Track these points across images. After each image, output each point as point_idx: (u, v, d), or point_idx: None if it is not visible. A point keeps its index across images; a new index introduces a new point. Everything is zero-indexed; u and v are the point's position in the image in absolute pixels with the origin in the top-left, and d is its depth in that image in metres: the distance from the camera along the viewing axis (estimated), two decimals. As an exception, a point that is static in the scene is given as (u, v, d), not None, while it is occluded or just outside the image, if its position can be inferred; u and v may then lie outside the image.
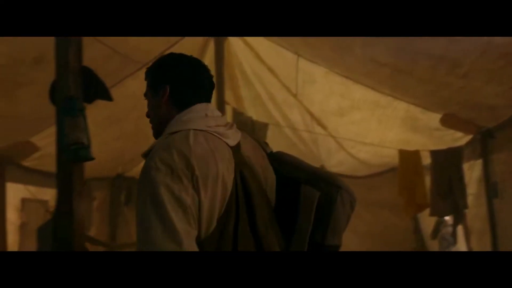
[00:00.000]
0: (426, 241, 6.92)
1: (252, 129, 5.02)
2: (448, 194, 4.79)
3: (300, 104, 6.01)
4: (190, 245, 1.28)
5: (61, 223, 2.65)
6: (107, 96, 3.18)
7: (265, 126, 5.20)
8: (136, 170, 7.25)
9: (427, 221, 6.83)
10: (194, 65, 1.61)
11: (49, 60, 3.00)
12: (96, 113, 4.91)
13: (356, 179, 7.57)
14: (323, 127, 6.20)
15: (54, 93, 2.84)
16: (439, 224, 5.58)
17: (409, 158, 5.10)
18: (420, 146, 5.35)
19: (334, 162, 7.26)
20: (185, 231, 1.28)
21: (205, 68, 1.62)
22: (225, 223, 1.37)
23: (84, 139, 2.66)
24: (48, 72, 3.02)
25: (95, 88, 2.92)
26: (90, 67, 2.99)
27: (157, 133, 1.54)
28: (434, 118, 4.91)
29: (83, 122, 2.69)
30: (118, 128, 5.81)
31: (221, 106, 4.74)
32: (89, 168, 6.38)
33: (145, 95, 1.61)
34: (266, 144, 1.72)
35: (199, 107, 1.51)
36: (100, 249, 7.09)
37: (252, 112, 5.71)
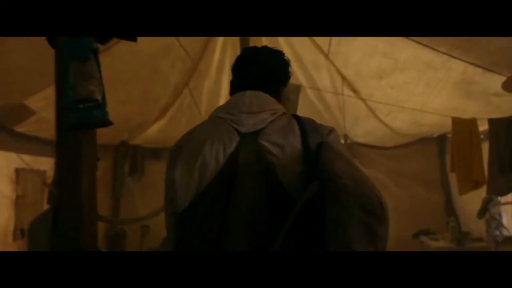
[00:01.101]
0: (460, 219, 6.37)
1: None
2: (509, 170, 4.13)
3: (331, 66, 5.30)
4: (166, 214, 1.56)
5: (64, 211, 1.93)
6: (130, 35, 2.16)
7: (296, 88, 4.49)
8: (143, 136, 6.65)
9: (463, 197, 6.33)
10: (240, 55, 1.73)
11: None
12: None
13: (384, 150, 7.02)
14: (356, 92, 5.50)
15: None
16: (488, 202, 4.94)
17: (464, 127, 4.42)
18: (471, 114, 4.67)
19: (362, 131, 6.64)
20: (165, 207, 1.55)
21: (247, 57, 1.71)
22: (199, 204, 1.43)
23: (97, 93, 1.85)
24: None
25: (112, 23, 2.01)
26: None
27: None
28: (494, 82, 4.22)
29: (96, 70, 1.87)
30: (124, 90, 5.09)
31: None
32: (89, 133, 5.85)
33: None
34: (329, 132, 1.55)
35: (234, 96, 1.60)
36: (101, 225, 6.52)
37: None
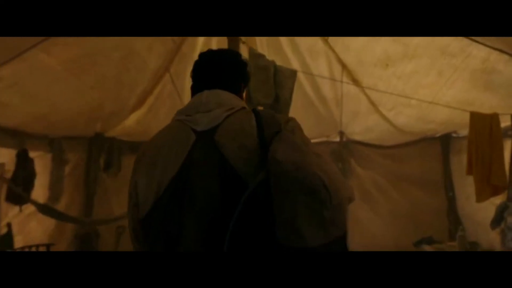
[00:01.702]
0: (466, 227, 5.81)
1: (275, 77, 3.71)
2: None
3: (330, 52, 4.71)
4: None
5: None
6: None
7: (292, 74, 3.88)
8: (120, 128, 6.05)
9: (467, 202, 5.79)
10: (197, 60, 1.74)
11: None
12: (62, 51, 3.61)
13: (383, 149, 6.49)
14: (357, 82, 4.91)
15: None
16: (504, 210, 4.37)
17: (483, 123, 3.81)
18: (489, 108, 4.09)
19: (360, 128, 6.08)
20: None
21: (204, 61, 1.72)
22: (159, 206, 1.44)
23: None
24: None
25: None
26: None
27: None
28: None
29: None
30: (94, 73, 4.51)
31: (235, 45, 3.41)
32: (61, 125, 5.21)
33: None
34: (285, 122, 1.52)
35: (193, 98, 1.64)
36: (70, 226, 5.93)
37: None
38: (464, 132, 5.96)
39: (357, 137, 6.51)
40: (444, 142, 6.37)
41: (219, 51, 1.79)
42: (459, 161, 6.08)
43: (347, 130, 6.36)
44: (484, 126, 3.77)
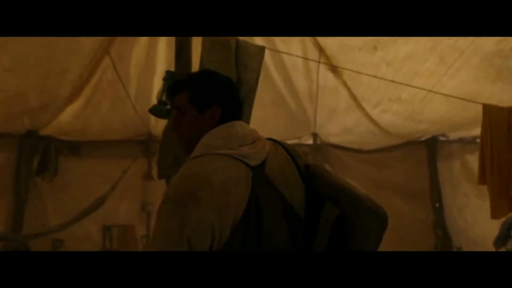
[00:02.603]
0: (457, 242, 5.21)
1: (237, 54, 2.87)
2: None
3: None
4: None
5: None
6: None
7: (259, 51, 3.03)
8: (55, 125, 5.21)
9: (459, 215, 5.12)
10: (230, 84, 1.74)
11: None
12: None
13: (363, 154, 5.79)
14: (337, 70, 4.10)
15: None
16: (510, 227, 3.64)
17: (500, 120, 3.01)
18: (498, 103, 3.33)
19: (337, 129, 5.42)
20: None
21: (229, 82, 1.74)
22: (231, 244, 1.42)
23: None
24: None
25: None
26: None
27: (189, 150, 1.60)
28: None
29: None
30: (11, 51, 3.62)
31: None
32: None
33: (181, 108, 1.64)
34: (304, 154, 1.73)
35: (225, 127, 1.58)
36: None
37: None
38: (455, 135, 5.36)
39: (334, 140, 5.85)
40: (430, 146, 5.69)
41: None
42: (449, 167, 5.67)
43: (322, 131, 5.71)
44: (501, 123, 2.98)
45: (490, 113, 3.03)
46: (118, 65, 4.32)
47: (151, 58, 4.36)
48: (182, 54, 3.08)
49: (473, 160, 5.12)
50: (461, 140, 5.34)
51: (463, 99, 3.13)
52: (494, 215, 3.04)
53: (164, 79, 3.09)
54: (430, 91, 3.40)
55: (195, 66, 3.09)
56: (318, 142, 5.85)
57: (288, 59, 4.31)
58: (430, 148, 5.71)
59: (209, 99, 1.60)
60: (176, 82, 1.67)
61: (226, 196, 1.41)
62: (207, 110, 1.58)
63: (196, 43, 3.11)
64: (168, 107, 3.11)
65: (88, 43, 4.05)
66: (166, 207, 1.40)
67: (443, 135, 5.47)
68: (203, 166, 1.45)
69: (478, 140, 4.81)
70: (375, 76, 3.46)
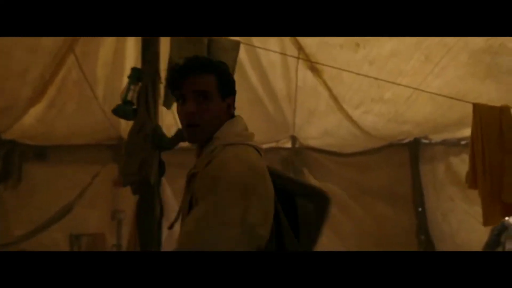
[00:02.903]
0: (439, 245, 5.19)
1: (209, 49, 2.65)
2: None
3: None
4: None
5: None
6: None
7: (234, 46, 2.80)
8: (18, 128, 4.91)
9: (444, 220, 4.94)
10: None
11: None
12: None
13: (344, 157, 5.57)
14: (317, 69, 3.89)
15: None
16: (500, 233, 3.47)
17: (491, 120, 2.82)
18: (489, 101, 3.15)
19: (317, 131, 5.27)
20: None
21: None
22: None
23: None
24: None
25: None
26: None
27: (204, 137, 1.57)
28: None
29: None
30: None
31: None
32: None
33: (207, 92, 1.56)
34: None
35: (241, 119, 1.62)
36: None
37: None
38: (438, 137, 5.20)
39: (313, 143, 5.61)
40: (413, 148, 5.49)
41: None
42: (432, 171, 5.48)
43: (301, 134, 5.49)
44: (493, 123, 2.80)
45: (481, 112, 2.84)
46: (83, 64, 4.05)
47: (119, 56, 4.10)
48: (149, 49, 2.85)
49: (458, 163, 5.01)
50: (445, 142, 5.18)
51: (452, 97, 2.94)
52: (487, 221, 2.85)
53: (129, 77, 2.84)
54: (416, 89, 3.21)
55: (163, 63, 2.87)
56: (297, 145, 5.63)
57: (265, 56, 4.11)
58: (413, 150, 5.48)
59: (231, 87, 1.62)
60: (197, 62, 1.57)
61: (271, 187, 1.47)
62: (226, 99, 1.58)
63: (164, 37, 2.88)
64: (134, 107, 2.87)
65: (49, 41, 3.77)
66: (226, 196, 1.36)
67: (426, 137, 5.32)
68: (251, 156, 1.48)
69: (463, 142, 4.76)
70: (358, 74, 3.26)
